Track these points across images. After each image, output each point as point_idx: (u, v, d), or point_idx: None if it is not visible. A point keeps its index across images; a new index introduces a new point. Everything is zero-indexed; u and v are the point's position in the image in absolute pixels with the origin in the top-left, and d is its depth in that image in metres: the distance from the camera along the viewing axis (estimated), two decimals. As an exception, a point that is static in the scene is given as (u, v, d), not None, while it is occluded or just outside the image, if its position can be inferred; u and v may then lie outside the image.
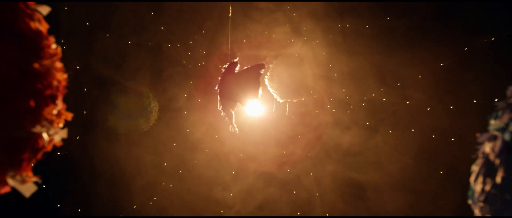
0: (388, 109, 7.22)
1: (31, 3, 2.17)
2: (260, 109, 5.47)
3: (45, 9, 2.24)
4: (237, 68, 5.04)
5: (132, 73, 7.27)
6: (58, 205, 6.79)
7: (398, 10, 6.80)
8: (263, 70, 4.99)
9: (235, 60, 5.06)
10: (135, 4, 7.19)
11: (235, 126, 5.09)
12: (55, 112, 2.13)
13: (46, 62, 2.01)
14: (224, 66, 5.06)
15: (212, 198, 7.80)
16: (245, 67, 5.06)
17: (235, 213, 7.75)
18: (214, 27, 7.53)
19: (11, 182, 2.03)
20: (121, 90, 6.72)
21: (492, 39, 5.47)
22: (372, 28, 7.09)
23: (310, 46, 7.57)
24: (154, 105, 6.88)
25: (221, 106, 4.96)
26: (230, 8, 6.13)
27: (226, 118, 5.00)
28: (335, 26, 7.33)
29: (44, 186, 6.54)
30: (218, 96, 4.97)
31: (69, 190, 6.77)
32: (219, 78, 5.05)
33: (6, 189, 2.13)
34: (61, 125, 2.19)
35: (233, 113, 5.03)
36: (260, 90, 4.92)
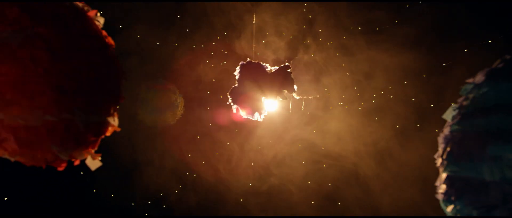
0: (396, 106, 7.55)
1: (92, 12, 2.71)
2: (277, 105, 5.81)
3: (101, 19, 2.80)
4: (268, 69, 5.53)
5: (160, 71, 7.75)
6: (94, 190, 7.36)
7: (405, 13, 7.12)
8: (290, 70, 5.47)
9: (265, 63, 5.54)
10: (163, 6, 7.64)
11: (261, 117, 5.59)
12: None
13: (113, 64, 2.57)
14: (242, 62, 5.51)
15: (232, 187, 8.21)
16: (275, 68, 5.53)
17: (252, 199, 8.18)
18: (235, 28, 7.90)
19: (63, 155, 2.57)
20: (150, 87, 7.00)
21: (489, 41, 5.78)
22: (381, 30, 7.46)
23: (324, 47, 7.99)
24: (180, 101, 7.07)
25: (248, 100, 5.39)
26: (254, 15, 6.45)
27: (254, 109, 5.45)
28: (347, 28, 7.72)
29: (82, 173, 7.05)
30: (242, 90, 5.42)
31: (102, 177, 7.14)
32: (238, 75, 5.50)
33: (76, 162, 2.72)
34: (116, 114, 2.76)
35: (264, 106, 5.53)
36: (295, 86, 5.39)
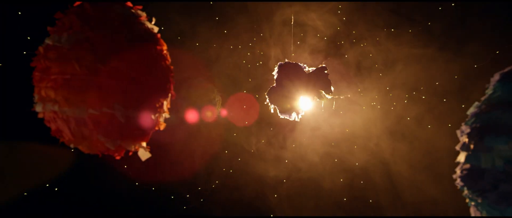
0: (428, 106, 7.63)
1: (143, 16, 3.01)
2: (310, 104, 5.98)
3: (149, 24, 3.10)
4: (306, 69, 5.70)
5: (200, 71, 8.00)
6: (136, 184, 7.69)
7: (439, 15, 7.19)
8: (326, 71, 5.63)
9: (303, 65, 5.72)
10: (202, 8, 7.94)
11: (298, 117, 5.77)
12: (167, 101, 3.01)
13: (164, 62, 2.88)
14: (280, 63, 5.69)
15: (266, 182, 8.44)
16: (312, 69, 5.70)
17: (286, 195, 8.40)
18: (270, 30, 8.10)
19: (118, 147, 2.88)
20: (190, 86, 7.29)
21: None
22: (415, 32, 7.55)
23: (358, 48, 8.13)
24: (218, 99, 7.37)
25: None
26: (292, 17, 6.63)
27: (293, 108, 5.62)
28: (381, 30, 7.84)
29: (125, 166, 7.41)
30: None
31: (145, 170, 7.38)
32: (276, 75, 5.68)
33: (130, 153, 3.05)
34: (167, 110, 3.08)
35: (301, 106, 5.72)
36: (332, 87, 5.60)
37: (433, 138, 7.52)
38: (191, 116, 7.30)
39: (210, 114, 7.29)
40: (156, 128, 3.08)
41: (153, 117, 2.98)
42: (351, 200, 8.30)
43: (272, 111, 5.82)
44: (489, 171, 1.93)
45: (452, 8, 6.95)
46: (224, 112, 7.75)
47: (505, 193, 1.82)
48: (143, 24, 3.02)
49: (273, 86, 5.70)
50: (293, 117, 5.78)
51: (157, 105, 2.98)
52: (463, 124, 2.47)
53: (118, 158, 2.98)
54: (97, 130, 2.69)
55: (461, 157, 2.25)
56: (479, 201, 1.97)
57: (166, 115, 3.10)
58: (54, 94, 2.61)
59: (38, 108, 2.76)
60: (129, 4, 2.96)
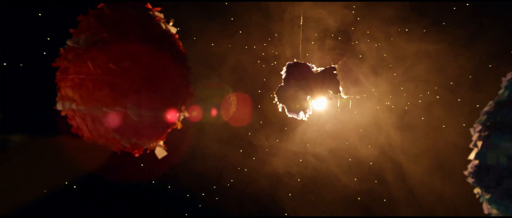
0: (441, 106, 7.62)
1: (159, 17, 3.08)
2: (326, 103, 6.02)
3: (168, 25, 3.17)
4: (313, 69, 5.73)
5: (214, 71, 8.11)
6: (153, 182, 7.80)
7: (452, 14, 7.18)
8: (335, 71, 5.66)
9: (311, 65, 5.74)
10: (216, 8, 8.00)
11: (305, 116, 5.79)
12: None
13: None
14: (290, 62, 5.72)
15: (281, 181, 8.52)
16: (321, 69, 5.72)
17: (300, 194, 8.46)
18: (284, 30, 8.13)
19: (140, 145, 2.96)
20: (204, 86, 7.41)
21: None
22: (429, 32, 7.55)
23: (373, 48, 8.12)
24: (233, 99, 7.45)
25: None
26: (301, 17, 6.64)
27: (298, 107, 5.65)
28: (395, 30, 7.84)
29: (142, 165, 7.52)
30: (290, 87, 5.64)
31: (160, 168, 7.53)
32: (285, 74, 5.71)
33: (147, 151, 3.13)
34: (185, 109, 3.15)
35: (309, 105, 5.73)
36: (341, 87, 5.61)
37: (446, 135, 7.51)
38: (205, 114, 7.36)
39: (223, 113, 7.35)
40: (173, 127, 3.16)
41: (169, 116, 3.04)
42: (364, 198, 8.31)
43: (280, 109, 5.86)
44: (494, 168, 1.98)
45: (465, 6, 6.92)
46: (236, 111, 7.79)
47: (508, 190, 1.87)
48: (160, 25, 3.07)
49: (281, 85, 5.74)
50: (301, 116, 5.82)
51: (174, 105, 3.05)
52: (476, 122, 2.54)
53: (137, 155, 3.07)
54: (112, 127, 2.78)
55: (472, 154, 2.31)
56: (487, 197, 2.02)
57: (185, 113, 3.18)
58: (72, 93, 2.71)
59: (59, 106, 2.86)
60: (148, 5, 3.03)
